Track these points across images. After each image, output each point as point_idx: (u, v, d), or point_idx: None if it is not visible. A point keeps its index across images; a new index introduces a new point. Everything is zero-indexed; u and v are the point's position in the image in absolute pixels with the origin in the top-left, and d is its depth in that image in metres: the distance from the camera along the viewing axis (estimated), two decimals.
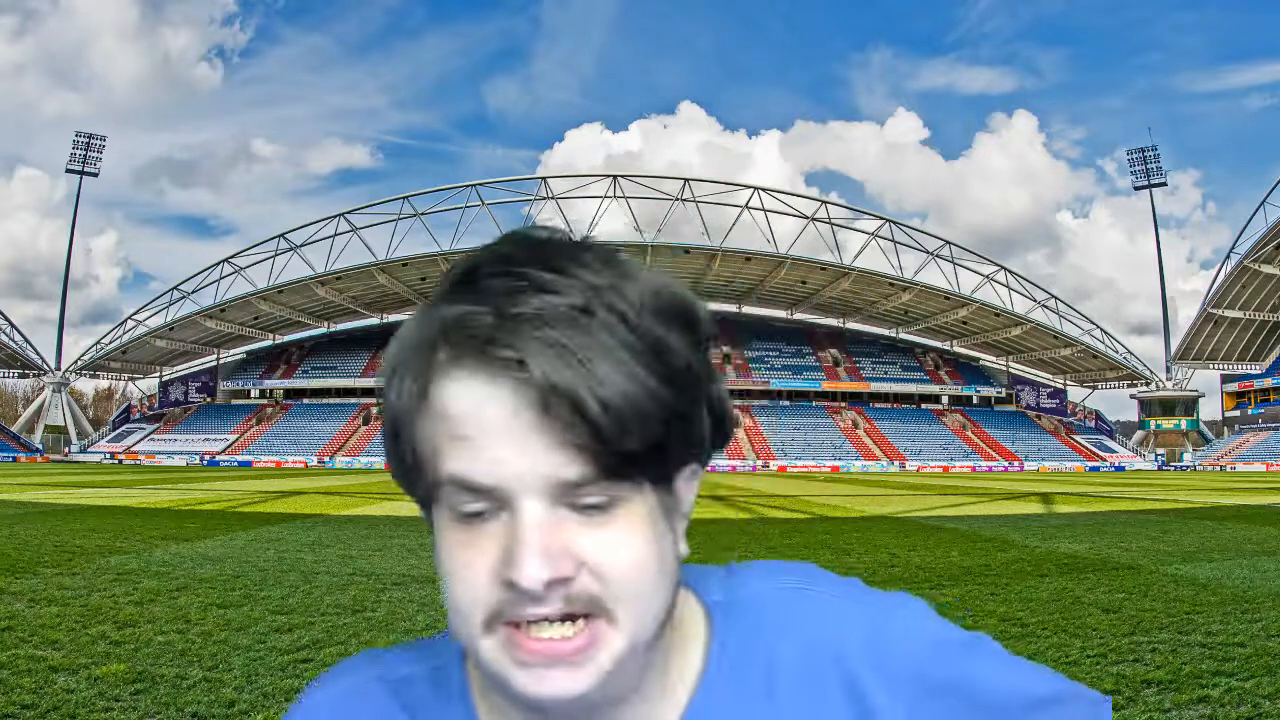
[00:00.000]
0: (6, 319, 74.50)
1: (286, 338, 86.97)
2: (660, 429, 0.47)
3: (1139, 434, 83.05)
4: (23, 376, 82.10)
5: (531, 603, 0.47)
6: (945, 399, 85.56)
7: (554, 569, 0.47)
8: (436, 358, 0.48)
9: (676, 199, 72.85)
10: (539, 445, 0.46)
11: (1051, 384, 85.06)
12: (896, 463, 71.34)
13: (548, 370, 0.45)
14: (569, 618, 0.48)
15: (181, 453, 70.38)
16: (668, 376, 0.48)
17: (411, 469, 0.51)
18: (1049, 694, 0.58)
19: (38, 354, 77.81)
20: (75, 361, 78.49)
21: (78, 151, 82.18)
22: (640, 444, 0.47)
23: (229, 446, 72.54)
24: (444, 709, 0.58)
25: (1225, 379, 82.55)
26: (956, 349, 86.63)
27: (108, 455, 70.57)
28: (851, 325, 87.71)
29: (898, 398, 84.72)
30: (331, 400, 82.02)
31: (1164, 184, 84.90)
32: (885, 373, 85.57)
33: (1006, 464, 71.22)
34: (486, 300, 0.47)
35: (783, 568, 0.63)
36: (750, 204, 72.29)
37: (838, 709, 0.56)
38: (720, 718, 0.56)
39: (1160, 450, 77.78)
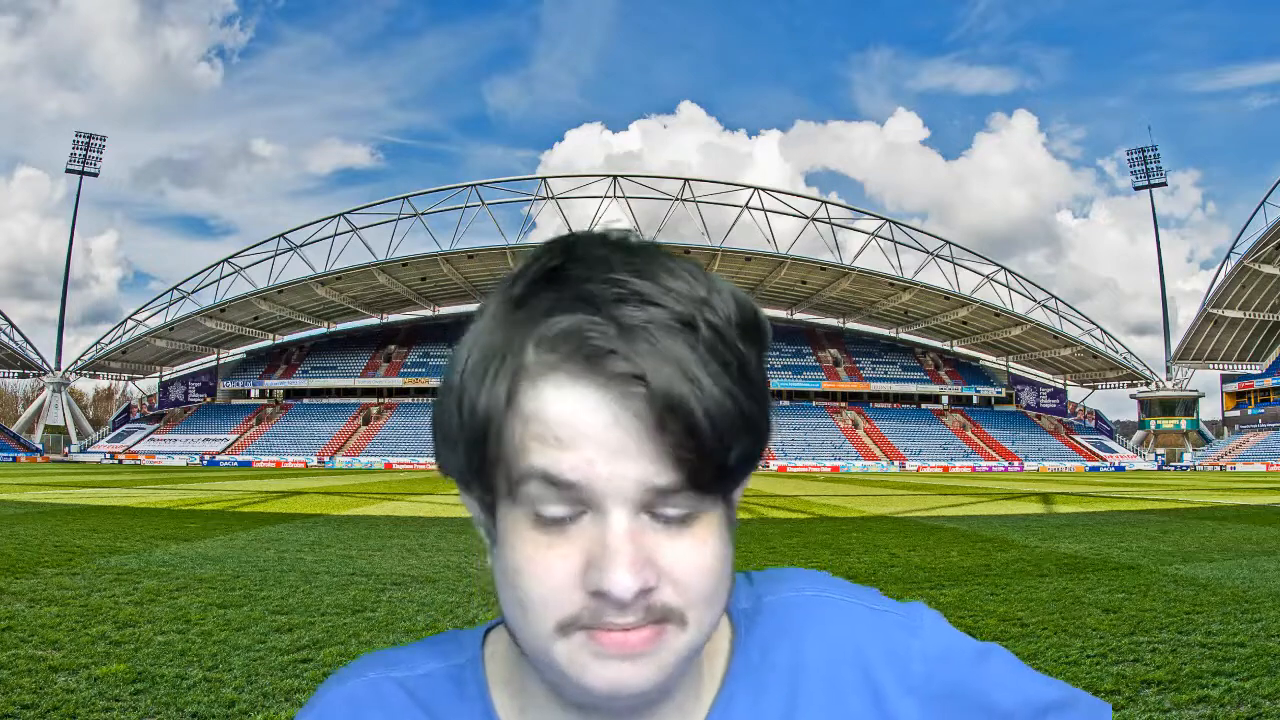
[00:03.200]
0: (6, 319, 74.57)
1: (286, 338, 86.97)
2: (750, 444, 0.48)
3: (1139, 434, 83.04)
4: (23, 376, 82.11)
5: (616, 611, 0.47)
6: (945, 399, 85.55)
7: (642, 580, 0.47)
8: (529, 360, 0.48)
9: (676, 199, 72.85)
10: (638, 454, 0.46)
11: (1051, 384, 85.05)
12: (896, 463, 71.32)
13: (665, 384, 0.45)
14: (645, 624, 0.49)
15: (181, 453, 70.38)
16: (753, 392, 0.48)
17: (482, 467, 0.50)
18: (1054, 700, 0.61)
19: (38, 354, 77.86)
20: (75, 361, 78.49)
21: (78, 151, 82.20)
22: (736, 459, 0.48)
23: (229, 446, 72.52)
24: (463, 708, 0.58)
25: (1225, 379, 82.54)
26: (956, 349, 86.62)
27: (108, 455, 70.56)
28: (851, 325, 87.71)
29: (898, 398, 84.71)
30: (331, 400, 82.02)
31: (1164, 184, 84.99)
32: (885, 373, 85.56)
33: (1006, 464, 71.21)
34: (599, 309, 0.46)
35: (802, 575, 0.65)
36: (750, 204, 72.32)
37: (860, 713, 0.57)
38: (746, 718, 0.57)
39: (1160, 450, 77.77)
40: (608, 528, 0.47)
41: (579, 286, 0.47)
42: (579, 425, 0.47)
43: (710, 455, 0.47)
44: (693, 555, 0.49)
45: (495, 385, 0.48)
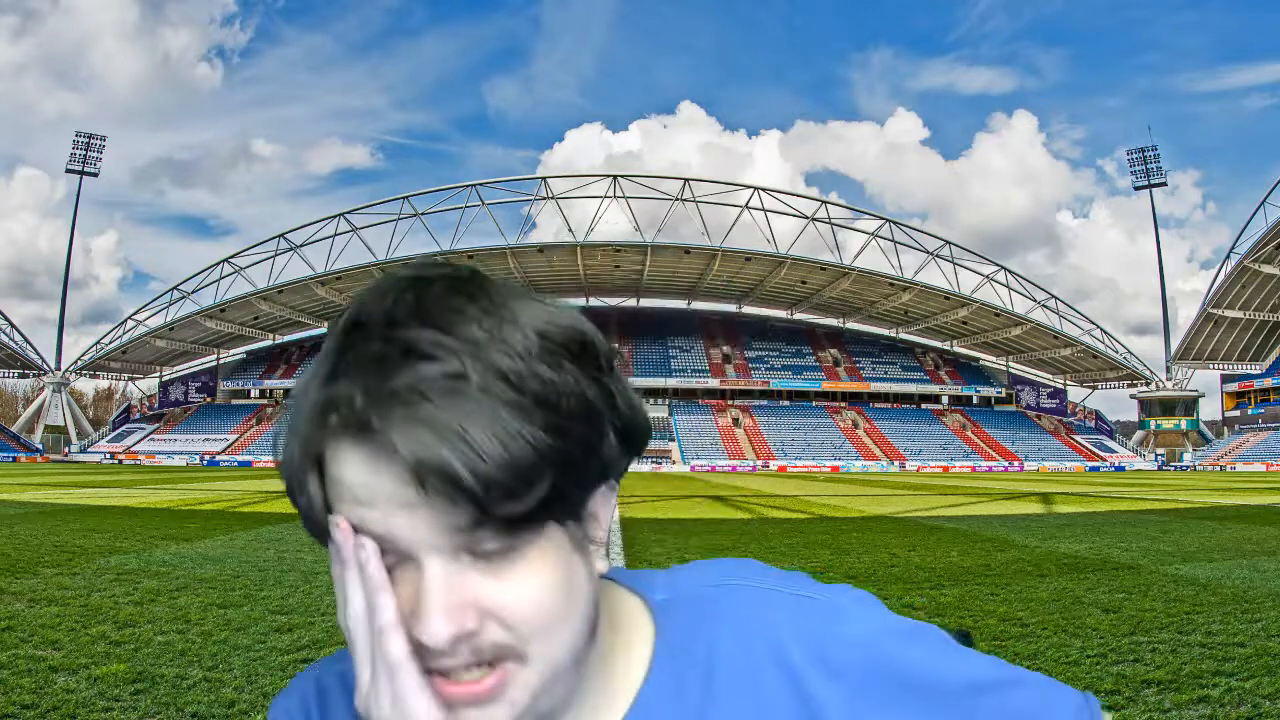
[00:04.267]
0: (6, 319, 74.60)
1: (286, 338, 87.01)
2: (550, 482, 0.47)
3: (1139, 434, 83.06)
4: (23, 376, 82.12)
5: (440, 656, 0.47)
6: (945, 399, 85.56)
7: (458, 625, 0.47)
8: (326, 434, 0.48)
9: (676, 199, 72.84)
10: (426, 504, 0.46)
11: (1051, 384, 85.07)
12: (896, 463, 71.33)
13: (416, 449, 0.45)
14: (477, 666, 0.48)
15: (181, 453, 70.39)
16: (557, 425, 0.47)
17: (313, 524, 0.51)
18: (996, 679, 0.57)
19: (38, 354, 77.89)
20: (75, 361, 78.51)
21: (78, 151, 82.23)
22: (528, 504, 0.47)
23: (229, 446, 72.54)
24: None
25: (1225, 379, 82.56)
26: (956, 349, 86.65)
27: (108, 455, 70.59)
28: (851, 325, 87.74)
29: (898, 398, 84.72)
30: None
31: (1164, 184, 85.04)
32: (885, 373, 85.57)
33: (1006, 464, 71.21)
34: (359, 376, 0.47)
35: (723, 564, 0.63)
36: (750, 204, 72.31)
37: (777, 698, 0.56)
38: (664, 711, 0.57)
39: (1160, 450, 77.79)
40: (420, 575, 0.48)
41: (357, 346, 0.48)
42: (370, 486, 0.47)
43: (492, 509, 0.46)
44: (519, 591, 0.48)
45: (295, 451, 0.50)
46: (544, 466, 0.46)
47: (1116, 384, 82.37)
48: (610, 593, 0.60)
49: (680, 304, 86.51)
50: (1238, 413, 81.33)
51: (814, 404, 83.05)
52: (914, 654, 0.57)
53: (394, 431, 0.45)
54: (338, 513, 0.49)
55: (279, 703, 0.64)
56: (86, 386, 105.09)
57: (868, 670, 0.56)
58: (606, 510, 0.54)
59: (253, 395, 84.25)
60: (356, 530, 0.48)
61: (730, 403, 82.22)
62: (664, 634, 0.59)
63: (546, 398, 0.47)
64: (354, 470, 0.47)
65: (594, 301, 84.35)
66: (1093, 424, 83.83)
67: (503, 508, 0.46)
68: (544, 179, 73.75)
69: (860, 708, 0.56)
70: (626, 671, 0.58)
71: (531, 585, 0.49)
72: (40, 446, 74.13)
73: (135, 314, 76.16)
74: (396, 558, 0.48)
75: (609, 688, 0.57)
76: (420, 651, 0.48)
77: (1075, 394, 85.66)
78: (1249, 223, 72.18)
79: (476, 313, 0.48)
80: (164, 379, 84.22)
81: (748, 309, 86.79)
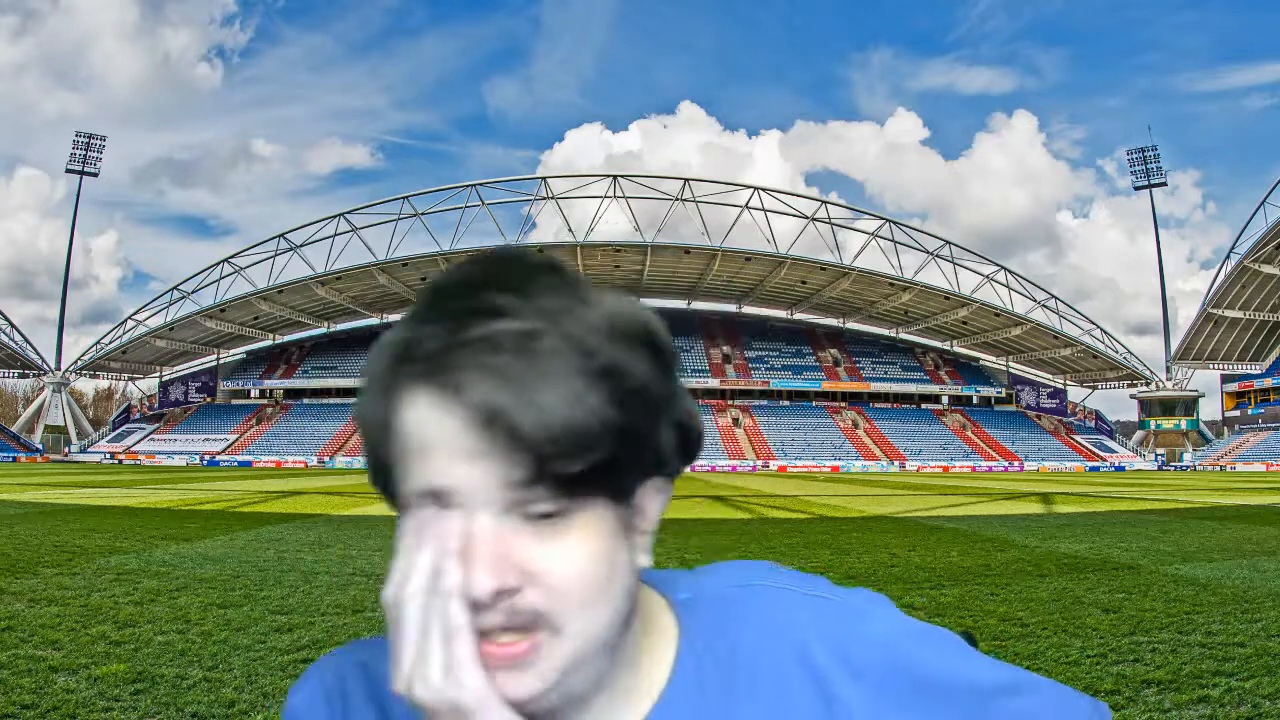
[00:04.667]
0: (6, 319, 74.59)
1: (286, 338, 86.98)
2: (607, 449, 0.48)
3: (1139, 434, 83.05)
4: (23, 376, 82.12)
5: (478, 611, 0.48)
6: (945, 399, 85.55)
7: (500, 579, 0.48)
8: (399, 377, 0.50)
9: (676, 199, 72.83)
10: (486, 453, 0.48)
11: (1051, 384, 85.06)
12: (896, 463, 71.33)
13: (483, 395, 0.47)
14: (512, 629, 0.49)
15: (181, 453, 70.38)
16: (619, 399, 0.49)
17: (382, 480, 0.53)
18: (1008, 683, 0.59)
19: (38, 354, 77.87)
20: (75, 361, 78.50)
21: (78, 151, 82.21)
22: (583, 464, 0.48)
23: (229, 446, 72.53)
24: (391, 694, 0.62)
25: (1225, 379, 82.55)
26: (956, 349, 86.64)
27: (108, 455, 70.57)
28: (851, 325, 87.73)
29: (898, 398, 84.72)
30: (331, 400, 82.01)
31: (1164, 184, 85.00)
32: (885, 373, 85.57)
33: (1006, 464, 71.21)
34: (440, 324, 0.49)
35: (744, 566, 0.65)
36: (750, 204, 72.30)
37: (802, 698, 0.57)
38: (688, 710, 0.57)
39: (1160, 450, 77.79)
40: (469, 528, 0.49)
41: (441, 301, 0.50)
42: (431, 435, 0.49)
43: (550, 461, 0.47)
44: (564, 558, 0.49)
45: (376, 403, 0.51)
46: (603, 435, 0.48)
47: (1116, 384, 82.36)
48: (638, 590, 0.60)
49: (680, 304, 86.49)
50: (1238, 413, 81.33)
51: (814, 404, 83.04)
52: (934, 657, 0.58)
53: (463, 377, 0.47)
54: (402, 467, 0.50)
55: (300, 691, 0.64)
56: (86, 386, 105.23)
57: (889, 671, 0.57)
58: (655, 506, 0.55)
59: (253, 395, 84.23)
60: (416, 487, 0.50)
61: (730, 403, 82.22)
62: (688, 633, 0.60)
63: (612, 372, 0.49)
64: (420, 415, 0.49)
65: None
66: (1093, 424, 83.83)
67: (558, 465, 0.47)
68: (544, 179, 73.75)
69: (882, 708, 0.57)
70: (651, 668, 0.59)
71: (576, 555, 0.50)
72: (40, 446, 74.12)
73: (135, 314, 76.16)
74: (447, 510, 0.50)
75: (634, 683, 0.58)
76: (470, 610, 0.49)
77: (1075, 394, 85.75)
78: (1249, 223, 72.28)
79: (554, 284, 0.51)
80: (164, 379, 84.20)
81: (748, 309, 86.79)
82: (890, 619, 0.61)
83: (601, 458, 0.48)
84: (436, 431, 0.48)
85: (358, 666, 0.63)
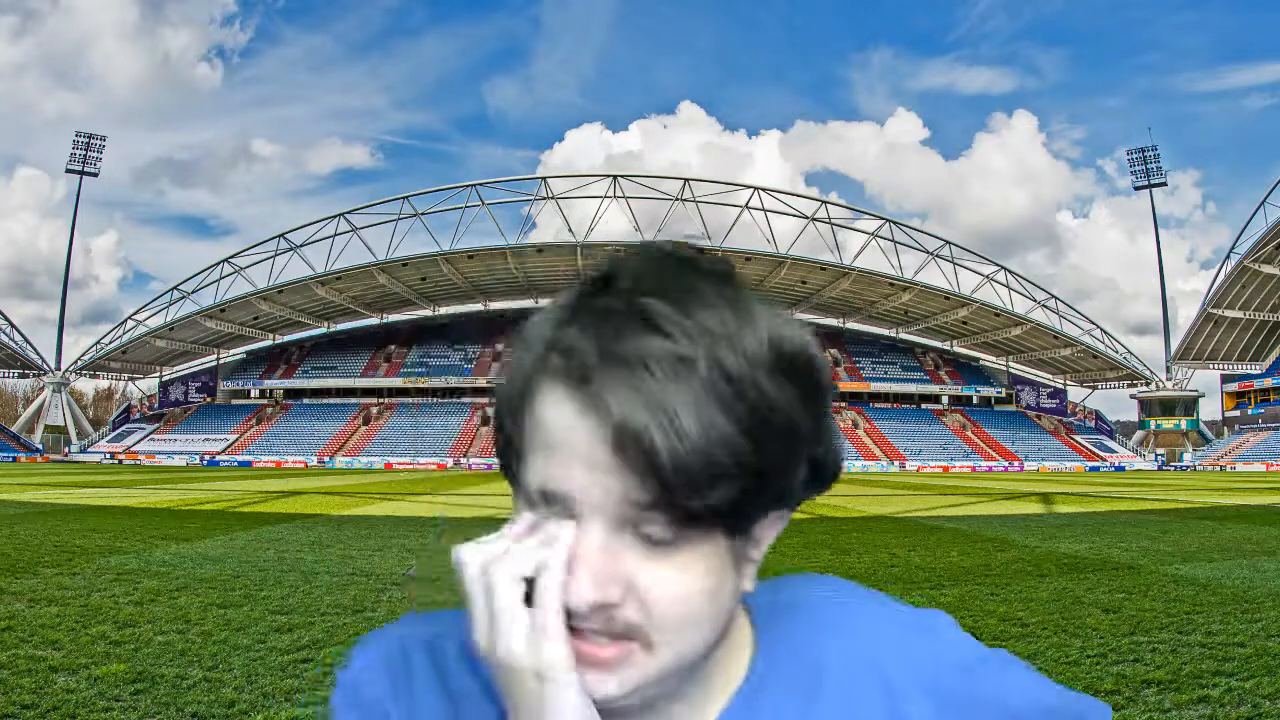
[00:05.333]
0: (6, 319, 74.61)
1: (286, 338, 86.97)
2: (736, 488, 0.48)
3: (1139, 434, 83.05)
4: (23, 376, 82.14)
5: (579, 618, 0.49)
6: (945, 399, 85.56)
7: (603, 593, 0.48)
8: (544, 371, 0.50)
9: (676, 199, 72.88)
10: (613, 468, 0.48)
11: (1051, 384, 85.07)
12: (896, 463, 71.34)
13: (624, 413, 0.46)
14: (605, 635, 0.50)
15: (181, 453, 70.38)
16: (761, 439, 0.48)
17: (508, 456, 0.54)
18: (1059, 706, 0.60)
19: (38, 354, 77.88)
20: (75, 361, 78.49)
21: (78, 151, 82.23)
22: (708, 503, 0.47)
23: (229, 446, 72.53)
24: (467, 669, 0.61)
25: (1225, 379, 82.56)
26: (956, 349, 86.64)
27: (108, 455, 70.58)
28: (851, 325, 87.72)
29: (898, 398, 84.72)
30: (331, 400, 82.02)
31: (1164, 184, 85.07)
32: (885, 373, 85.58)
33: (1006, 464, 71.22)
34: (592, 329, 0.49)
35: (820, 579, 0.65)
36: (750, 204, 72.36)
37: (875, 715, 0.57)
38: (759, 717, 0.58)
39: (1160, 450, 77.78)
40: (581, 536, 0.49)
41: (606, 302, 0.50)
42: (564, 437, 0.49)
43: (677, 491, 0.47)
44: (670, 582, 0.49)
45: (515, 384, 0.52)
46: (736, 474, 0.47)
47: (1116, 384, 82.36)
48: (736, 613, 0.60)
49: None
50: (1238, 413, 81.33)
51: None
52: (998, 680, 0.59)
53: (609, 392, 0.47)
54: (529, 456, 0.51)
55: (360, 655, 0.63)
56: (86, 386, 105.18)
57: (958, 693, 0.58)
58: (771, 535, 0.55)
59: (253, 395, 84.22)
60: (535, 483, 0.50)
61: None
62: (765, 640, 0.60)
63: (760, 410, 0.48)
64: (557, 414, 0.49)
65: None
66: (1093, 424, 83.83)
67: (683, 498, 0.47)
68: (544, 179, 73.78)
69: None
70: (726, 671, 0.59)
71: (681, 582, 0.49)
72: (40, 446, 74.12)
73: (135, 314, 76.16)
74: (562, 514, 0.50)
75: (709, 686, 0.58)
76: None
77: (1075, 394, 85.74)
78: (1249, 223, 72.33)
79: (719, 304, 0.49)
80: (164, 379, 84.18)
81: None
82: (959, 640, 0.61)
83: (729, 497, 0.48)
84: (569, 435, 0.49)
85: (422, 639, 0.63)
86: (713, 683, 0.58)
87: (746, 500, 0.49)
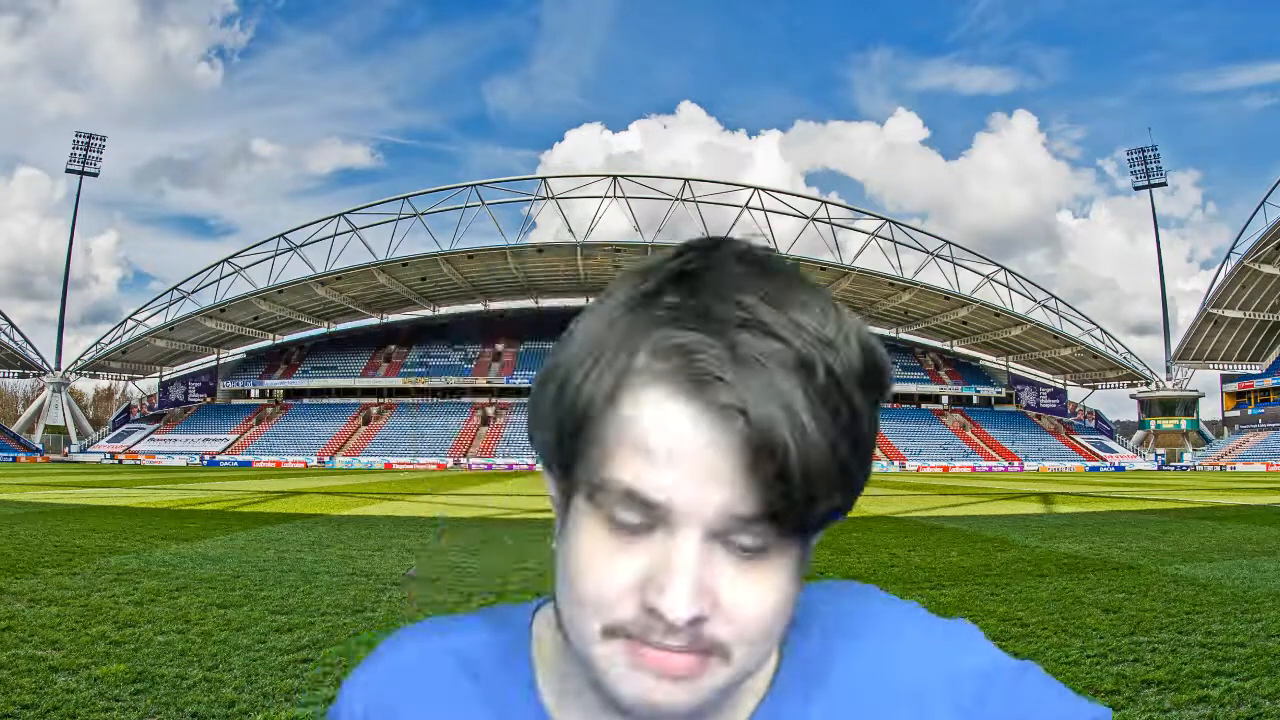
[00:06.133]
0: (6, 319, 74.59)
1: (286, 338, 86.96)
2: (839, 494, 0.47)
3: (1139, 434, 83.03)
4: (23, 376, 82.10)
5: (664, 632, 0.47)
6: (945, 399, 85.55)
7: (699, 608, 0.47)
8: (639, 363, 0.47)
9: (676, 199, 72.85)
10: (724, 481, 0.46)
11: (1051, 384, 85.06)
12: (896, 463, 71.34)
13: (767, 423, 0.44)
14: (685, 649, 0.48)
15: (181, 453, 70.36)
16: (857, 445, 0.47)
17: (574, 458, 0.50)
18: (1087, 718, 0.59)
19: (38, 354, 77.87)
20: (75, 361, 78.47)
21: (78, 151, 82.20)
22: (821, 507, 0.47)
23: (229, 446, 72.52)
24: (508, 680, 0.59)
25: (1225, 379, 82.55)
26: (956, 349, 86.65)
27: (108, 455, 70.56)
28: None
29: (898, 398, 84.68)
30: (331, 400, 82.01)
31: (1164, 184, 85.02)
32: None
33: (1006, 464, 71.21)
34: (717, 332, 0.46)
35: (852, 587, 0.64)
36: (750, 204, 72.36)
37: None
38: None
39: (1160, 450, 77.76)
40: (676, 548, 0.47)
41: (705, 301, 0.46)
42: (673, 442, 0.46)
43: (797, 503, 0.46)
44: (755, 594, 0.48)
45: (600, 378, 0.48)
46: (841, 481, 0.47)
47: (1116, 384, 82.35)
48: None
49: None
50: (1238, 413, 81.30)
51: None
52: (1029, 694, 0.58)
53: (748, 397, 0.44)
54: (613, 452, 0.47)
55: (368, 670, 0.62)
56: (86, 386, 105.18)
57: (989, 707, 0.57)
58: (814, 544, 0.54)
59: (253, 395, 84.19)
60: (620, 480, 0.47)
61: None
62: (792, 649, 0.59)
63: (859, 418, 0.47)
64: (667, 417, 0.46)
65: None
66: (1093, 424, 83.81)
67: (800, 509, 0.46)
68: (544, 179, 73.73)
69: None
70: (755, 682, 0.58)
71: (766, 593, 0.49)
72: (40, 446, 74.10)
73: (135, 314, 76.13)
74: (647, 521, 0.48)
75: (735, 695, 0.57)
76: (643, 622, 0.47)
77: (1075, 394, 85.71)
78: (1249, 223, 72.32)
79: (817, 309, 0.47)
80: (164, 379, 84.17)
81: None
82: (988, 650, 0.60)
83: (835, 504, 0.47)
84: (681, 442, 0.46)
85: (449, 648, 0.61)
86: (739, 696, 0.57)
87: (838, 512, 0.49)
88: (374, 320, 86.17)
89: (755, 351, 0.45)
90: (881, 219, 74.32)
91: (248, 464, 65.27)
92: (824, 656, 0.59)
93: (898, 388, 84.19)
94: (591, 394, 0.48)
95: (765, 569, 0.49)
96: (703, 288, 0.47)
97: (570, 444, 0.49)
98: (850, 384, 0.46)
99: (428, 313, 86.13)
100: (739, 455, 0.45)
